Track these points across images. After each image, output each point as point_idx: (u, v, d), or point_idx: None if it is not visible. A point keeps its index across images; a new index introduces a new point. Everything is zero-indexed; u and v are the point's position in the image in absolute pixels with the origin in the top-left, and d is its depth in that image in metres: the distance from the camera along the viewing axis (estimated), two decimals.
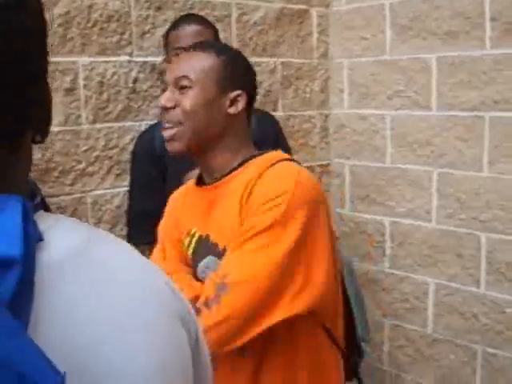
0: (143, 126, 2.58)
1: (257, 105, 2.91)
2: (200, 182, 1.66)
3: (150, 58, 2.61)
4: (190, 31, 2.36)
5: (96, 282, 0.62)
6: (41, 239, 0.59)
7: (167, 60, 2.42)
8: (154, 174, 2.38)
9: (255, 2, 2.94)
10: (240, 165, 1.57)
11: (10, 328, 0.51)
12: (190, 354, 0.68)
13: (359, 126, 3.21)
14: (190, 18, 2.49)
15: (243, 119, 1.62)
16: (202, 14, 2.72)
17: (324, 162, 3.33)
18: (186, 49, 1.61)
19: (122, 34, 2.55)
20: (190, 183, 1.73)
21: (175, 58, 1.67)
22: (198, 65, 1.54)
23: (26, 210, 0.56)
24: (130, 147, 2.53)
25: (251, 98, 1.63)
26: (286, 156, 1.63)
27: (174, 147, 1.56)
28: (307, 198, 1.47)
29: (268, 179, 1.49)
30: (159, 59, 2.57)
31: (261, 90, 2.99)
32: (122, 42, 2.54)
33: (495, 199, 2.74)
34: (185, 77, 1.54)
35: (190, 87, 1.53)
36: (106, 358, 0.58)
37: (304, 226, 1.44)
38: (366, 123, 3.18)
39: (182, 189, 1.77)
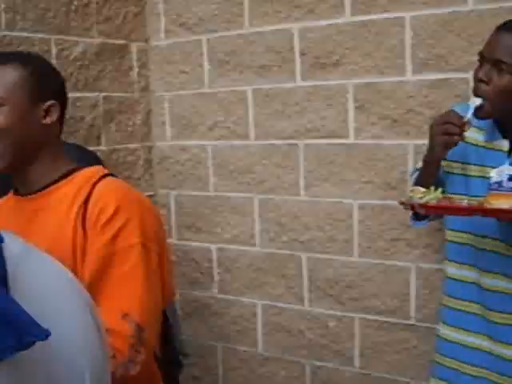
0: None
1: (80, 140, 2.94)
2: (16, 192, 1.64)
3: None
4: None
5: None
6: (2, 241, 0.78)
7: None
8: None
9: (74, 38, 2.95)
10: (63, 177, 1.58)
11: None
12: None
13: (182, 157, 3.31)
14: None
15: (57, 129, 1.62)
16: (20, 49, 2.70)
17: (149, 194, 3.38)
18: None
19: None
20: (5, 197, 1.70)
21: None
22: (6, 80, 1.52)
23: None
24: None
25: (63, 107, 1.64)
26: (107, 171, 1.66)
27: None
28: (151, 210, 1.56)
29: (105, 196, 1.51)
30: None
31: (83, 125, 3.01)
32: None
33: (312, 221, 2.94)
34: None
35: (2, 104, 1.51)
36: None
37: (155, 237, 1.53)
38: (189, 154, 3.28)
39: (2, 201, 1.73)
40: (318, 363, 2.98)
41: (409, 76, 2.63)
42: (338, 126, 2.82)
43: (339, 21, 2.75)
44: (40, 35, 2.82)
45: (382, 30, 2.66)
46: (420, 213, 1.99)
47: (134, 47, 3.25)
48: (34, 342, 0.71)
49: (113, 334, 1.39)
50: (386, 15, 2.65)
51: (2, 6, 2.67)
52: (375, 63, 2.70)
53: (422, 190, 1.87)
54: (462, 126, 1.86)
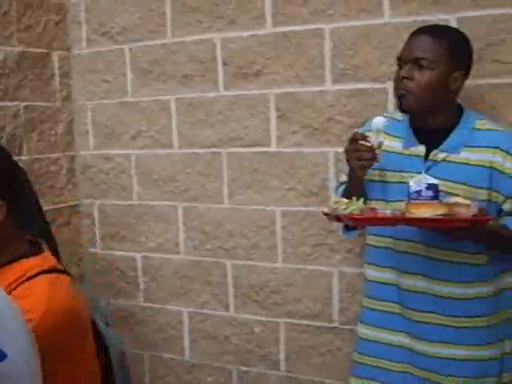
0: None
1: None
2: None
3: None
4: None
5: None
6: None
7: None
8: None
9: None
10: (8, 262, 1.55)
11: None
12: None
13: (105, 166, 3.30)
14: None
15: (7, 221, 1.56)
16: None
17: (72, 203, 3.36)
18: None
19: None
20: None
21: None
22: None
23: None
24: None
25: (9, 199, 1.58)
26: (48, 266, 1.60)
27: None
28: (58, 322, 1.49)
29: (21, 297, 1.44)
30: None
31: (4, 135, 2.97)
32: None
33: (236, 228, 2.98)
34: None
35: None
36: None
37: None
38: (112, 163, 3.28)
39: None
40: (245, 368, 3.02)
41: (328, 86, 2.71)
42: (260, 135, 2.88)
43: (260, 32, 2.82)
44: None
45: (303, 41, 2.74)
46: (345, 223, 2.08)
47: (55, 56, 3.22)
48: None
49: None
50: (306, 27, 2.72)
51: None
52: (296, 73, 2.77)
53: (345, 200, 1.94)
54: (372, 150, 1.96)
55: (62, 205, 3.28)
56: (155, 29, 3.06)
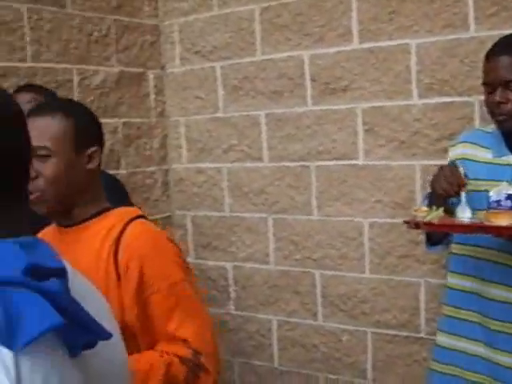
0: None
1: (101, 164, 3.06)
2: (59, 224, 1.72)
3: None
4: (21, 99, 2.48)
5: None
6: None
7: None
8: None
9: (95, 67, 3.10)
10: (97, 214, 1.66)
11: (71, 299, 0.86)
12: None
13: (198, 179, 3.44)
14: (23, 87, 2.60)
15: (99, 171, 1.71)
16: (44, 79, 2.85)
17: (166, 215, 3.51)
18: (32, 114, 1.63)
19: None
20: (48, 228, 1.78)
21: (30, 124, 1.71)
22: (52, 132, 1.58)
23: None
24: None
25: (102, 148, 1.72)
26: (140, 212, 1.74)
27: (39, 209, 1.61)
28: (176, 249, 1.66)
29: (137, 241, 1.60)
30: None
31: (104, 150, 3.13)
32: None
33: (325, 239, 3.06)
34: (42, 147, 1.56)
35: (49, 156, 1.56)
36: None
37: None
38: (204, 176, 3.41)
39: (44, 232, 1.80)
40: (332, 376, 3.09)
41: (415, 100, 2.76)
42: (348, 148, 2.95)
43: (347, 48, 2.89)
44: (63, 65, 2.96)
45: (389, 57, 2.80)
46: (424, 230, 2.12)
47: (150, 74, 3.39)
48: (97, 342, 0.88)
49: (174, 356, 1.54)
50: (392, 42, 2.78)
51: (28, 38, 2.82)
52: (382, 88, 2.83)
53: (425, 208, 1.99)
54: (460, 186, 2.00)
55: (157, 216, 3.44)
56: (245, 47, 3.18)
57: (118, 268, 1.59)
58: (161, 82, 3.46)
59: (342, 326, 3.05)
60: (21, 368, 0.78)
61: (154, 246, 1.61)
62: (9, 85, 2.73)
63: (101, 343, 0.90)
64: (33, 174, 1.56)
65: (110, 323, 1.02)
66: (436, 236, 2.22)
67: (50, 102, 1.81)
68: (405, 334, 2.88)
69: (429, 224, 1.94)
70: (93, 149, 1.64)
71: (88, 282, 1.11)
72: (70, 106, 1.69)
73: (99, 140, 1.70)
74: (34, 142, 1.54)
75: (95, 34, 3.10)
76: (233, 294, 3.38)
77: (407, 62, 2.76)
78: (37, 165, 1.57)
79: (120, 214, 1.68)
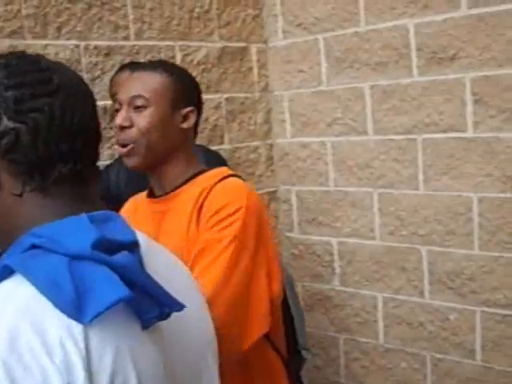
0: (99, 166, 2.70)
1: (204, 140, 3.09)
2: (150, 195, 1.73)
3: (101, 102, 2.74)
4: (122, 77, 2.51)
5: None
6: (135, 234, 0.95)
7: (113, 81, 2.57)
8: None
9: (197, 43, 3.11)
10: (190, 179, 1.66)
11: (142, 271, 0.87)
12: None
13: (302, 154, 3.40)
14: (126, 65, 2.64)
15: (192, 133, 1.72)
16: (147, 57, 2.88)
17: (271, 189, 3.50)
18: (133, 66, 1.68)
19: None
20: (139, 196, 1.80)
21: (127, 77, 1.70)
22: (152, 84, 1.60)
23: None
24: None
25: (199, 113, 1.71)
26: (232, 172, 1.73)
27: (130, 162, 1.63)
28: (257, 212, 1.61)
29: (219, 194, 1.59)
30: (110, 102, 2.71)
31: (207, 125, 3.16)
32: None
33: (432, 214, 2.96)
34: (140, 96, 1.59)
35: (145, 107, 1.59)
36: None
37: (257, 237, 1.58)
38: (309, 150, 3.37)
39: (131, 202, 1.84)
40: (439, 355, 3.00)
41: None
42: (456, 120, 2.83)
43: (455, 14, 2.76)
44: (166, 43, 2.99)
45: (499, 22, 2.64)
46: None
47: (253, 49, 3.37)
48: (170, 313, 0.88)
49: None
50: (503, 7, 2.63)
51: (131, 17, 2.86)
52: (492, 56, 2.68)
53: None
54: None
55: (261, 191, 3.43)
56: (348, 17, 3.09)
57: (200, 223, 1.58)
58: (264, 56, 3.43)
59: (449, 304, 2.95)
60: (90, 341, 0.79)
61: (234, 198, 1.59)
62: (113, 63, 2.79)
63: (176, 315, 0.90)
64: (127, 122, 1.60)
65: (189, 295, 1.02)
66: None
67: (154, 60, 1.84)
68: None
69: None
70: (189, 108, 1.66)
71: (169, 254, 1.11)
72: (172, 66, 1.72)
73: (196, 102, 1.70)
74: (133, 92, 1.61)
75: (197, 10, 3.10)
76: (338, 270, 3.34)
77: None
78: (132, 114, 1.60)
79: (211, 176, 1.66)
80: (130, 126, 1.60)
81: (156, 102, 1.60)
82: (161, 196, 1.68)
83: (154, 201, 1.70)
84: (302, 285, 3.44)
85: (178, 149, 1.66)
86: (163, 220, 1.65)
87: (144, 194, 1.77)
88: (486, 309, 2.84)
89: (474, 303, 2.87)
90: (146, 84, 1.60)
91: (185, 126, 1.65)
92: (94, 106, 0.99)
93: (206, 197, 1.59)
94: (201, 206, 1.58)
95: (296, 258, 3.49)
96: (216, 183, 1.62)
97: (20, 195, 0.90)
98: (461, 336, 2.93)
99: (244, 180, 1.72)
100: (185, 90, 1.66)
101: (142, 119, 1.59)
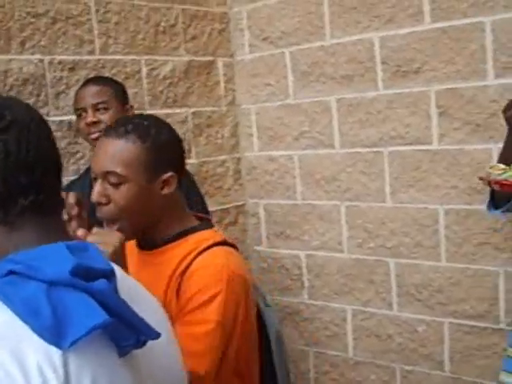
0: (64, 182, 2.67)
1: None
2: (139, 244, 1.69)
3: (65, 117, 2.72)
4: (87, 92, 2.50)
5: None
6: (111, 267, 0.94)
7: (77, 95, 2.54)
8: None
9: (163, 57, 3.10)
10: (178, 235, 1.61)
11: (119, 299, 0.86)
12: None
13: (270, 167, 3.40)
14: (90, 79, 2.63)
15: (177, 193, 1.62)
16: (113, 71, 2.87)
17: (239, 203, 3.49)
18: (105, 135, 1.57)
19: (38, 95, 2.65)
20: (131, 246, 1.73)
21: (101, 143, 1.59)
22: (124, 157, 1.51)
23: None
24: None
25: (180, 174, 1.62)
26: (220, 238, 1.66)
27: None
28: (237, 292, 1.56)
29: (200, 273, 1.54)
30: (74, 117, 2.68)
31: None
32: (38, 103, 2.64)
33: (399, 227, 2.97)
34: (113, 172, 1.51)
35: (122, 183, 1.51)
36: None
37: (234, 318, 1.56)
38: (276, 164, 3.37)
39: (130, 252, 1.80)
40: (408, 367, 3.01)
41: (491, 80, 2.63)
42: (421, 133, 2.85)
43: (419, 28, 2.78)
44: (131, 57, 2.97)
45: (463, 36, 2.67)
46: (495, 189, 1.99)
47: (219, 63, 3.37)
48: (146, 341, 0.88)
49: None
50: (465, 21, 2.66)
51: (96, 32, 2.84)
52: (457, 69, 2.71)
53: (502, 166, 1.87)
54: None
55: (229, 205, 3.42)
56: (314, 31, 3.11)
57: (180, 300, 1.55)
58: (230, 70, 3.43)
59: (417, 316, 2.96)
60: (69, 367, 0.79)
61: (215, 276, 1.54)
62: (78, 77, 2.76)
63: (151, 343, 0.90)
64: (103, 199, 1.53)
65: (160, 324, 1.02)
66: (503, 197, 2.05)
67: (127, 121, 1.62)
68: (483, 325, 2.77)
69: (498, 182, 1.83)
70: (168, 174, 1.56)
71: (139, 284, 1.10)
72: (147, 128, 1.58)
73: (179, 163, 1.62)
74: (107, 167, 1.52)
75: (162, 24, 3.09)
76: (306, 283, 3.33)
77: (482, 40, 2.63)
78: (108, 190, 1.53)
79: (199, 239, 1.61)
80: (107, 203, 1.54)
81: (131, 176, 1.51)
82: (146, 248, 1.65)
83: (144, 253, 1.66)
84: (271, 299, 3.43)
85: (164, 214, 1.60)
86: (144, 272, 1.57)
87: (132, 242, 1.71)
88: (454, 320, 2.85)
89: (441, 315, 2.88)
90: (118, 157, 1.51)
91: (165, 191, 1.57)
92: (49, 135, 0.99)
93: (185, 271, 1.55)
94: (181, 279, 1.55)
95: (265, 272, 3.48)
96: (200, 252, 1.57)
97: None
98: (429, 348, 2.94)
99: (228, 243, 1.67)
100: (161, 157, 1.56)
101: (119, 196, 1.52)
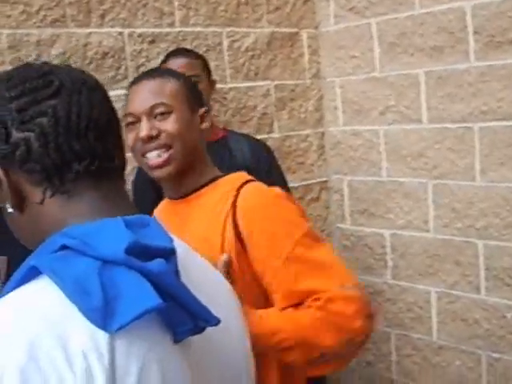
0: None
1: (252, 129, 3.03)
2: (170, 198, 1.69)
3: None
4: (178, 64, 2.45)
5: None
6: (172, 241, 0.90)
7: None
8: (155, 198, 2.44)
9: (245, 29, 3.03)
10: (209, 181, 1.63)
11: (177, 280, 0.82)
12: None
13: (354, 142, 3.30)
14: (178, 51, 2.59)
15: (208, 136, 1.70)
16: (194, 44, 2.83)
17: (322, 179, 3.41)
18: (142, 78, 1.63)
19: (118, 68, 2.64)
20: (163, 202, 1.76)
21: (135, 89, 1.63)
22: (168, 90, 1.58)
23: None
24: (131, 177, 2.61)
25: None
26: (249, 177, 1.68)
27: (165, 171, 1.57)
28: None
29: (251, 195, 1.56)
30: None
31: (256, 114, 3.08)
32: (117, 76, 2.64)
33: (489, 207, 2.82)
34: (161, 104, 1.56)
35: (169, 112, 1.56)
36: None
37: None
38: (361, 139, 3.26)
39: (160, 205, 1.79)
40: (495, 355, 2.87)
41: None
42: None
43: None
44: (212, 29, 2.92)
45: None
46: None
47: (304, 34, 3.27)
48: (205, 328, 0.83)
49: (343, 302, 1.48)
50: None
51: (176, 3, 2.80)
52: None
53: None
54: None
55: (312, 181, 3.34)
56: (402, 0, 2.96)
57: (241, 234, 1.53)
58: (315, 42, 3.32)
59: (506, 302, 2.81)
60: (116, 352, 0.75)
61: (273, 205, 1.55)
62: (158, 50, 2.74)
63: (211, 329, 0.84)
64: (154, 131, 1.55)
65: (225, 308, 0.96)
66: None
67: (151, 69, 1.81)
68: None
69: None
70: (204, 109, 1.64)
71: (206, 263, 1.05)
72: (175, 71, 1.73)
73: (204, 103, 1.70)
74: (152, 101, 1.56)
75: None
76: (390, 263, 3.23)
77: None
78: (157, 124, 1.56)
79: (230, 180, 1.63)
80: (158, 135, 1.56)
81: (177, 106, 1.57)
82: (180, 198, 1.64)
83: (175, 203, 1.65)
84: None
85: (201, 151, 1.64)
86: (185, 221, 1.60)
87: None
88: None
89: None
90: (163, 91, 1.58)
91: (203, 126, 1.64)
92: (104, 99, 0.96)
93: (235, 202, 1.55)
94: (234, 214, 1.54)
95: (347, 250, 3.39)
96: (240, 187, 1.58)
97: (41, 203, 0.89)
98: None
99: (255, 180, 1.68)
100: (196, 92, 1.66)
101: (171, 125, 1.55)
